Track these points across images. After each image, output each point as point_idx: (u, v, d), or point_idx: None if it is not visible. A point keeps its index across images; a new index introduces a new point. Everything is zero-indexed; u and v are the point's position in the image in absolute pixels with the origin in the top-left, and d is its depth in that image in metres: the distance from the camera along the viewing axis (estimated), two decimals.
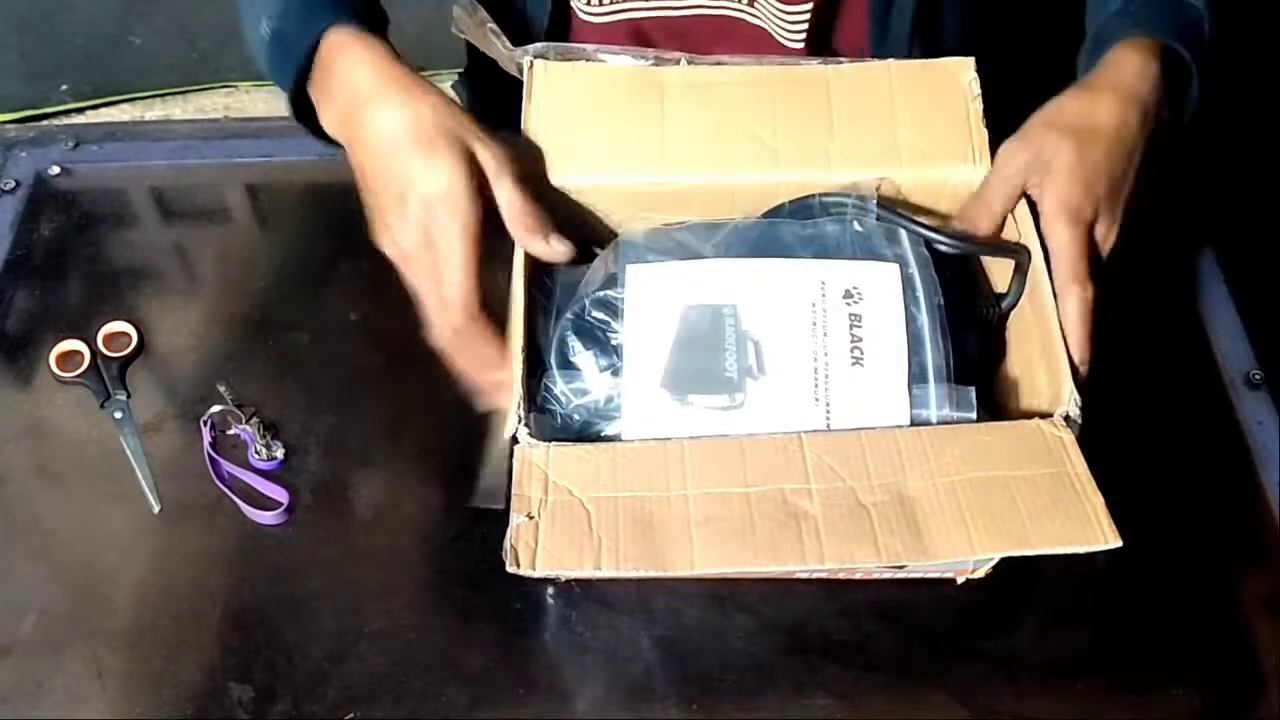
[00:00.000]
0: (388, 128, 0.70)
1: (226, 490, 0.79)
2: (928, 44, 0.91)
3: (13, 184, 0.95)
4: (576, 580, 0.74)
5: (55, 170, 0.96)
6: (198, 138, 1.00)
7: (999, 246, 0.75)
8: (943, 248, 0.73)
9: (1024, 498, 0.64)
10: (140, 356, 0.86)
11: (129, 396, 0.83)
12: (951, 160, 0.77)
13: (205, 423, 0.81)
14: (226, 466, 0.80)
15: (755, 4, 0.92)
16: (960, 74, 0.79)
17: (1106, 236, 0.74)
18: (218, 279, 0.91)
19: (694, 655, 0.72)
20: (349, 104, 0.72)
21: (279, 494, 0.78)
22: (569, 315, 0.72)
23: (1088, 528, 0.63)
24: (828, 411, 0.68)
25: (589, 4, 0.93)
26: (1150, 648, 0.73)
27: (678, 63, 0.81)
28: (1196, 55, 0.78)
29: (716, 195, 0.76)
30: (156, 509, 0.78)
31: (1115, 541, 0.62)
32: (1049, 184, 0.73)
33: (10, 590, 0.75)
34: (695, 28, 0.94)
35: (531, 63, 0.80)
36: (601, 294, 0.72)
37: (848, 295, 0.70)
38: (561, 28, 0.95)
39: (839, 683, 0.71)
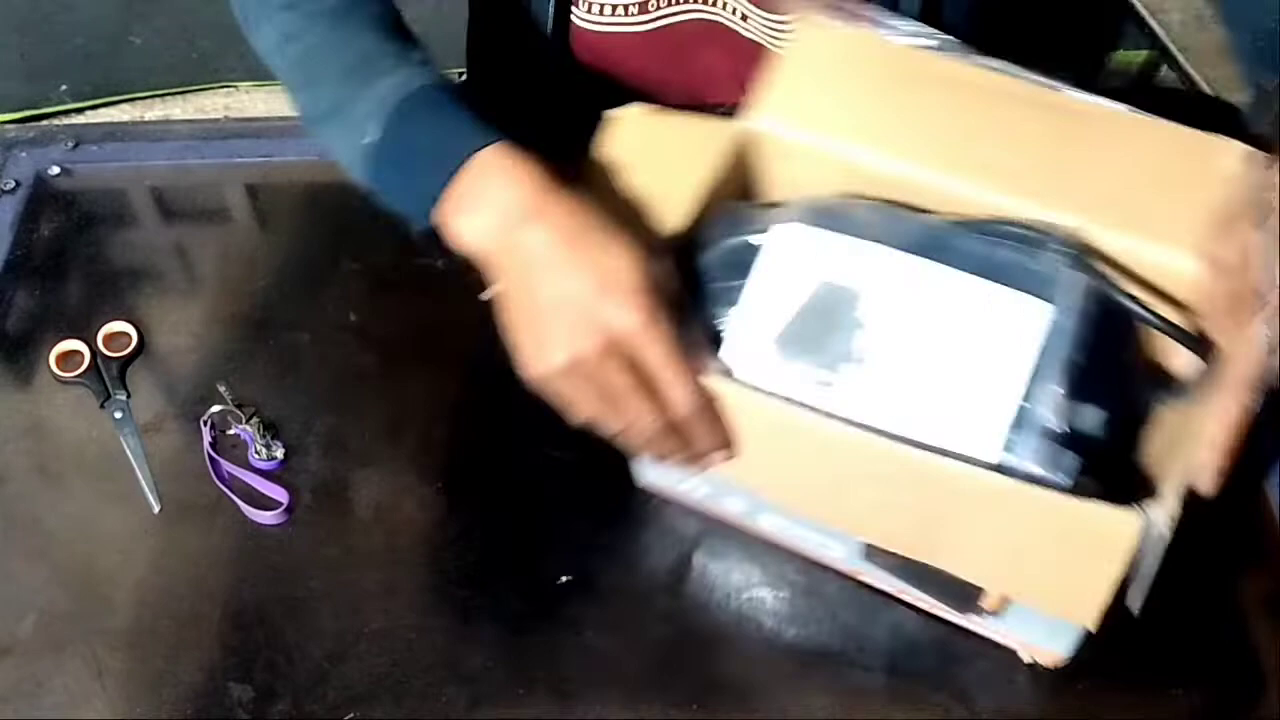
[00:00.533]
0: (567, 218, 0.66)
1: (226, 490, 0.79)
2: None
3: (13, 184, 0.95)
4: (577, 579, 0.74)
5: (55, 170, 0.96)
6: (198, 138, 1.00)
7: (1192, 337, 0.67)
8: (1133, 312, 0.67)
9: (1031, 575, 0.65)
10: (140, 356, 0.86)
11: (129, 396, 0.83)
12: (1171, 241, 0.68)
13: (205, 423, 0.81)
14: (226, 466, 0.80)
15: (749, 20, 0.92)
16: (1227, 156, 0.70)
17: None
18: (218, 279, 0.91)
19: (694, 655, 0.72)
20: (502, 219, 0.67)
21: (279, 494, 0.78)
22: (710, 250, 0.71)
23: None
24: (914, 419, 0.65)
25: (589, 12, 0.93)
26: (1150, 648, 0.73)
27: (961, 55, 0.76)
28: None
29: (920, 193, 0.73)
30: (156, 509, 0.78)
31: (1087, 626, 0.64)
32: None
33: (10, 590, 0.76)
34: (689, 38, 0.94)
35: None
36: (741, 241, 0.71)
37: (984, 317, 0.66)
38: (563, 34, 0.95)
39: (839, 683, 0.71)
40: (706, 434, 0.67)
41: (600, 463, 0.79)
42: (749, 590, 0.74)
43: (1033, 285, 0.66)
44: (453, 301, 0.87)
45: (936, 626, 0.72)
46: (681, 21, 0.94)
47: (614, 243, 0.65)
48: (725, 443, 0.68)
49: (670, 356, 0.65)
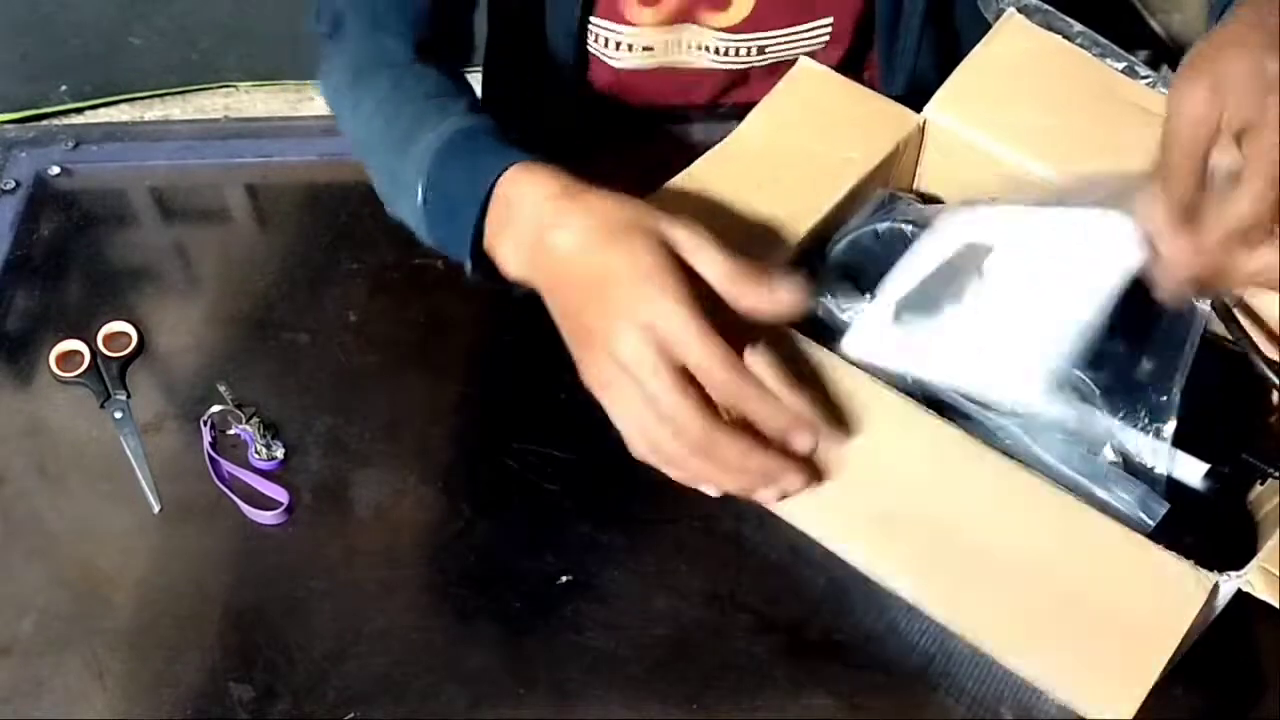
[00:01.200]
0: (574, 236, 0.65)
1: (226, 490, 0.79)
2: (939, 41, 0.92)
3: (13, 184, 0.95)
4: (577, 579, 0.74)
5: (55, 170, 0.96)
6: (198, 138, 1.00)
7: None
8: (1257, 367, 0.66)
9: (1088, 618, 0.62)
10: (140, 356, 0.86)
11: (129, 396, 0.83)
12: None
13: (205, 423, 0.81)
14: (226, 466, 0.80)
15: (765, 51, 0.93)
16: None
17: None
18: (218, 279, 0.91)
19: (694, 655, 0.72)
20: (530, 233, 0.67)
21: (279, 494, 0.78)
22: (855, 233, 0.72)
23: (1112, 687, 0.61)
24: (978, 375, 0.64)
25: (605, 47, 0.94)
26: None
27: (1151, 84, 0.76)
28: None
29: None
30: (156, 509, 0.78)
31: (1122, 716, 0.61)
32: (1246, 100, 0.57)
33: (10, 590, 0.75)
34: (716, 78, 0.96)
35: (1009, 13, 0.79)
36: (889, 227, 0.71)
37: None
38: (580, 64, 0.96)
39: (839, 683, 0.71)
40: (767, 412, 0.62)
41: (600, 462, 0.79)
42: (749, 589, 0.74)
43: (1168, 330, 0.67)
44: (453, 301, 0.87)
45: (937, 631, 0.72)
46: (704, 70, 0.96)
47: (634, 236, 0.63)
48: (799, 421, 0.63)
49: (701, 338, 0.60)
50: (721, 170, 0.76)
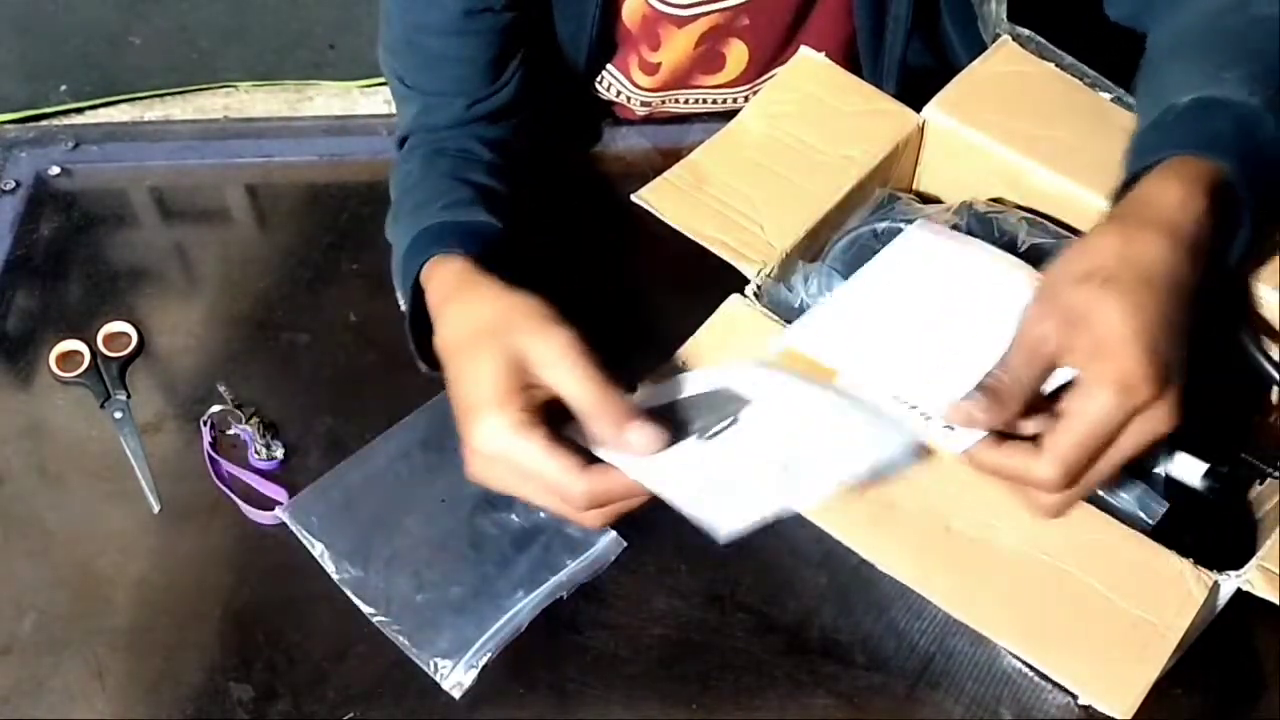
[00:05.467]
0: (441, 346, 0.67)
1: (226, 490, 0.79)
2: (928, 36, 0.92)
3: (13, 184, 0.95)
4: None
5: (55, 170, 0.96)
6: (197, 138, 1.00)
7: None
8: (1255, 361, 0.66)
9: (1089, 616, 0.62)
10: (140, 356, 0.86)
11: (129, 396, 0.83)
12: None
13: (205, 423, 0.81)
14: (226, 466, 0.80)
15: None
16: None
17: (1161, 416, 0.58)
18: (218, 279, 0.91)
19: (694, 655, 0.72)
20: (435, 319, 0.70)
21: (279, 494, 0.78)
22: (862, 230, 0.73)
23: (1113, 686, 0.61)
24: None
25: (617, 96, 0.96)
26: None
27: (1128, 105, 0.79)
28: (1249, 173, 0.62)
29: (1070, 209, 0.74)
30: (156, 509, 0.78)
31: (1122, 715, 0.61)
32: (1092, 347, 0.57)
33: (10, 590, 0.76)
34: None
35: (1002, 39, 0.81)
36: (897, 226, 0.72)
37: None
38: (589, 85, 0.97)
39: (839, 683, 0.71)
40: (621, 503, 0.64)
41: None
42: (749, 589, 0.74)
43: None
44: None
45: (937, 631, 0.72)
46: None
47: (479, 352, 0.63)
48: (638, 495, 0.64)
49: (543, 462, 0.61)
50: (720, 162, 0.76)
